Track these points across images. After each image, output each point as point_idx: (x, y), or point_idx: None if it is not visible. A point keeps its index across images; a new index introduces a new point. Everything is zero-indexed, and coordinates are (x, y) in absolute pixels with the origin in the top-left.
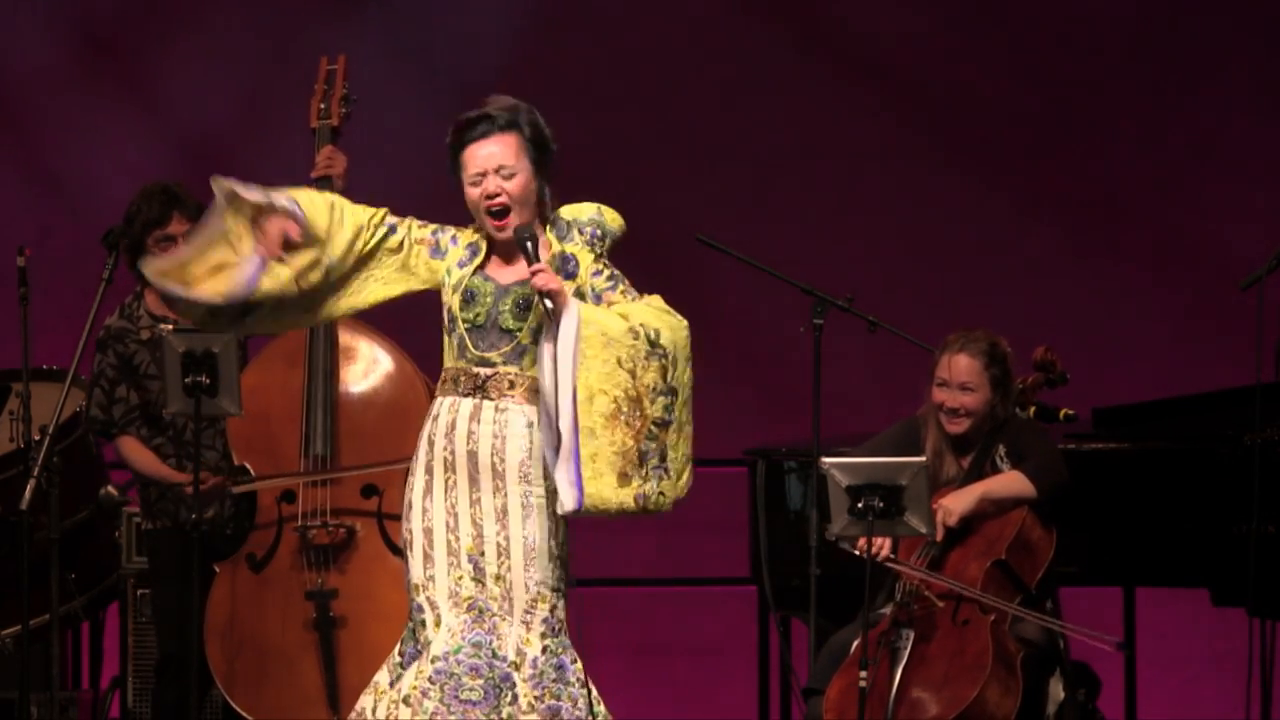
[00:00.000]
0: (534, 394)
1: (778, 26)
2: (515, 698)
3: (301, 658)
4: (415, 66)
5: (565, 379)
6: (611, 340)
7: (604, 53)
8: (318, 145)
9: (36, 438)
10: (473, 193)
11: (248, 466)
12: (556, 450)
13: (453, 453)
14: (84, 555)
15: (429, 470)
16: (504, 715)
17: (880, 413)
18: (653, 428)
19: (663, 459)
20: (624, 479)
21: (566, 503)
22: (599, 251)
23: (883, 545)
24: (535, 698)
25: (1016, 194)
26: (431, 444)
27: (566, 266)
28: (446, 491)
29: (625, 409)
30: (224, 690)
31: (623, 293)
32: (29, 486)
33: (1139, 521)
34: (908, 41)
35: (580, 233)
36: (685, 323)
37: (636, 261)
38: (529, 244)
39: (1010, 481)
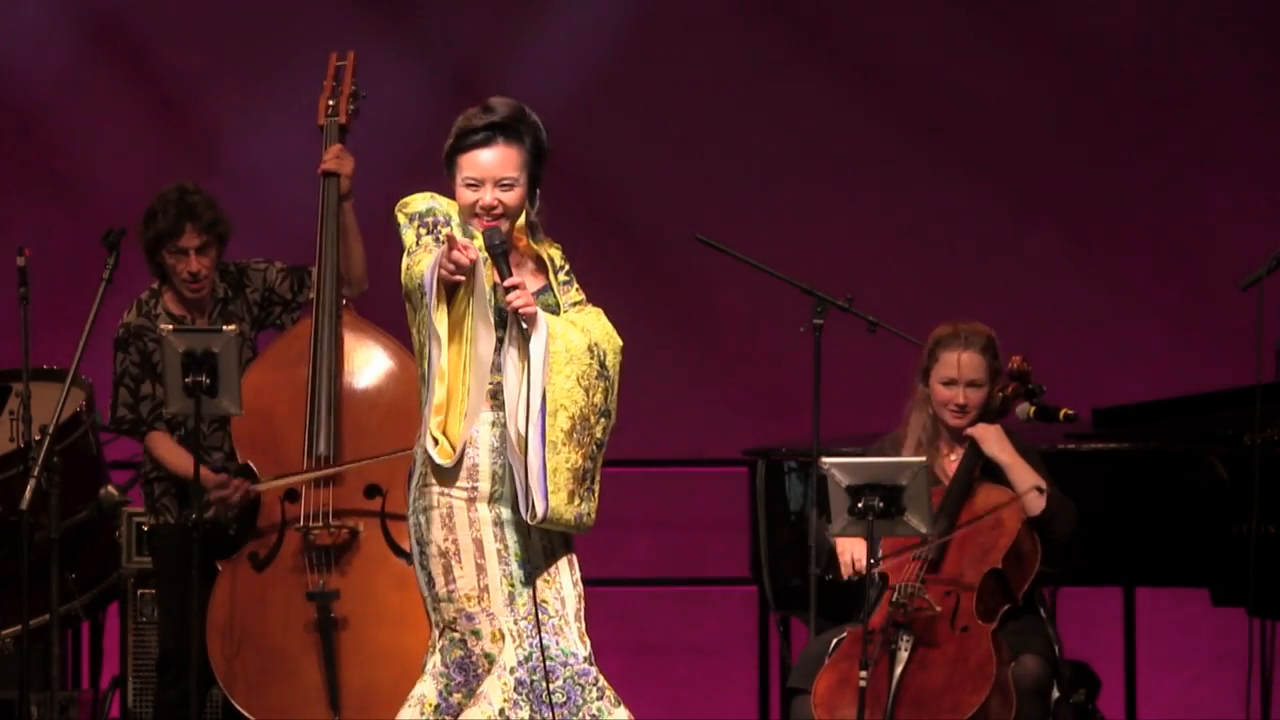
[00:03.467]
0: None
1: (778, 27)
2: (602, 692)
3: (302, 658)
4: (415, 64)
5: (535, 393)
6: (573, 357)
7: (603, 52)
8: (325, 143)
9: (36, 438)
10: (467, 195)
11: (251, 465)
12: (522, 459)
13: (503, 465)
14: (84, 555)
15: (472, 483)
16: (594, 710)
17: (880, 413)
18: (594, 449)
19: (594, 481)
20: (572, 496)
21: (539, 510)
22: (553, 244)
23: (857, 560)
24: (609, 685)
25: (1016, 194)
26: (473, 457)
27: (547, 273)
28: (491, 501)
29: (579, 427)
30: (224, 689)
31: (577, 290)
32: (29, 486)
33: (1139, 521)
34: (908, 41)
35: (542, 229)
36: (621, 344)
37: (637, 261)
38: (501, 253)
39: (1034, 482)
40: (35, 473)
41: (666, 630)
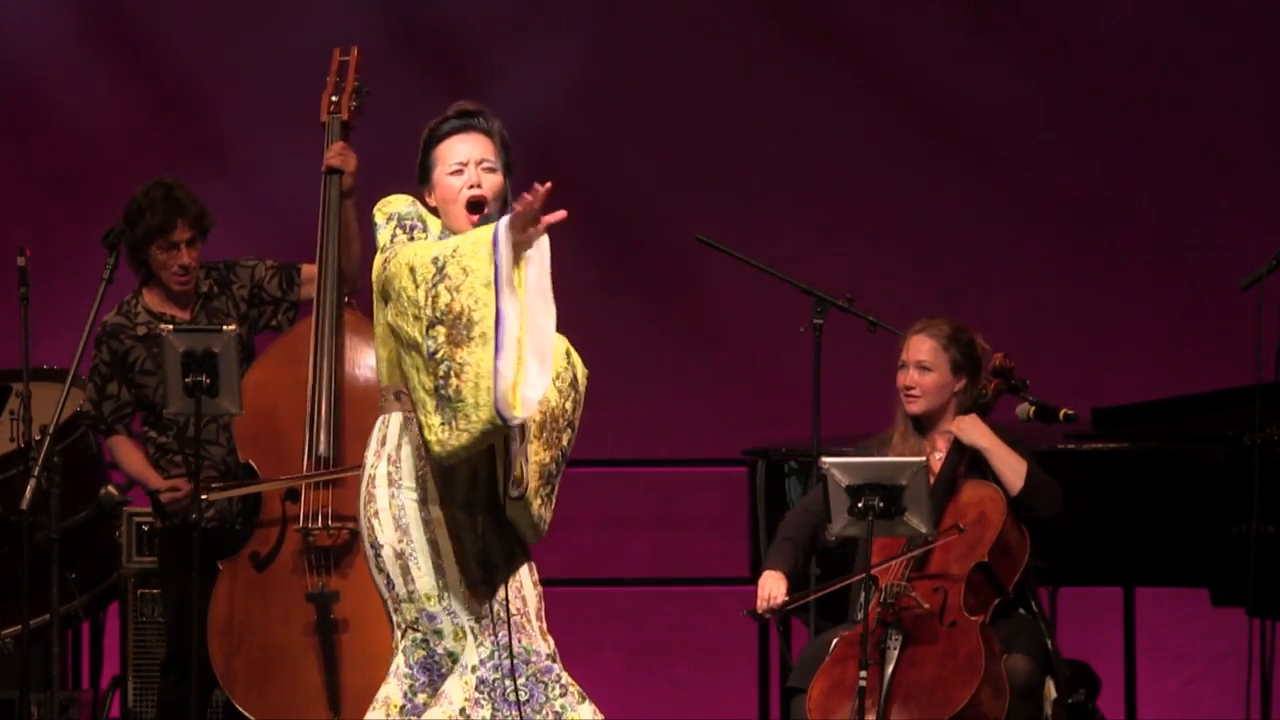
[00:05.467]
0: None
1: (778, 27)
2: (565, 689)
3: (303, 658)
4: (414, 64)
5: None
6: (555, 355)
7: (603, 52)
8: (328, 140)
9: (36, 438)
10: (453, 183)
11: (253, 464)
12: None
13: (451, 466)
14: (84, 555)
15: (422, 484)
16: (557, 707)
17: (880, 413)
18: (560, 456)
19: (553, 492)
20: (536, 493)
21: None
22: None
23: (772, 597)
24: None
25: (1016, 194)
26: (422, 458)
27: None
28: (443, 503)
29: (549, 426)
30: (224, 688)
31: None
32: (29, 486)
33: (1139, 521)
34: (908, 42)
35: None
36: (587, 373)
37: (637, 261)
38: None
39: (1015, 462)
40: (35, 473)
41: (666, 630)
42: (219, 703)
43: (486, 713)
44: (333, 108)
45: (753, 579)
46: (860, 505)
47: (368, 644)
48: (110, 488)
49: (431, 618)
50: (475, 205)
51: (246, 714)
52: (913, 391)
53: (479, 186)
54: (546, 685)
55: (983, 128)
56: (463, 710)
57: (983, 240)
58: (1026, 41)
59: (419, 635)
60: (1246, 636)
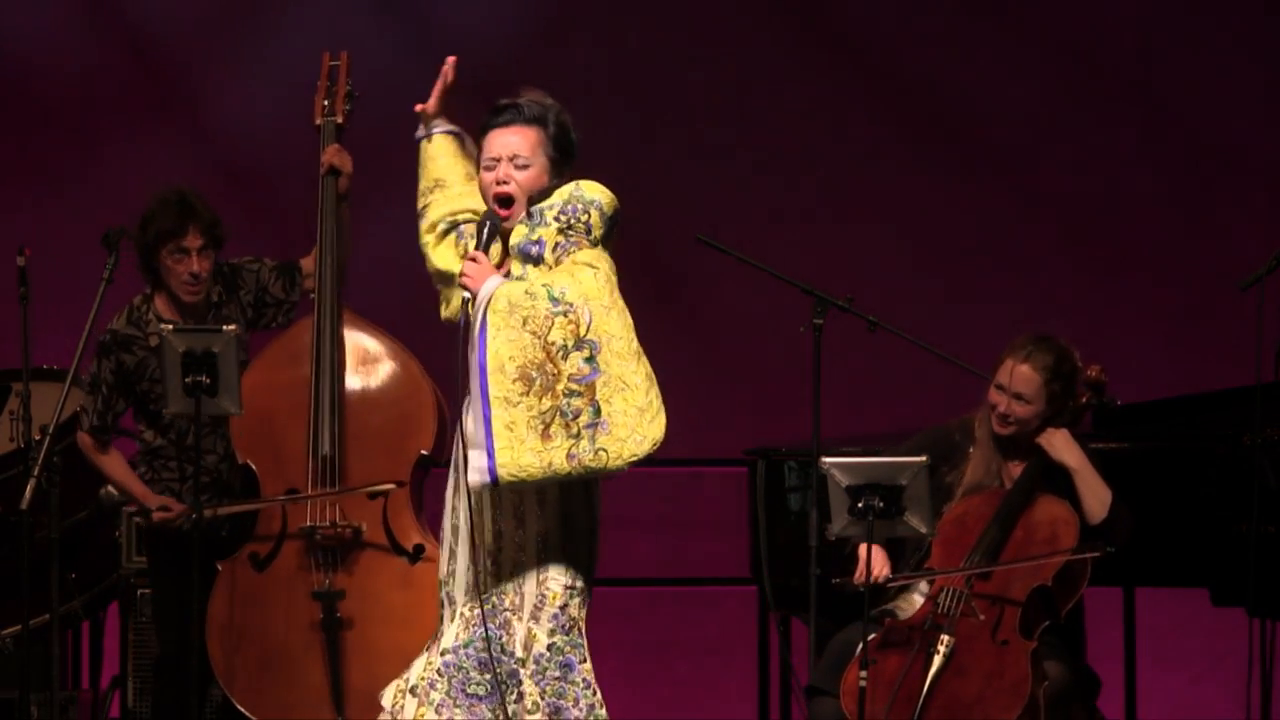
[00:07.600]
0: None
1: (778, 26)
2: (521, 695)
3: (305, 657)
4: (414, 64)
5: (475, 356)
6: (514, 305)
7: (604, 52)
8: (323, 143)
9: (36, 438)
10: (485, 177)
11: (252, 465)
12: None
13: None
14: (84, 555)
15: (456, 468)
16: (509, 712)
17: (880, 413)
18: (573, 385)
19: (597, 414)
20: (547, 439)
21: (475, 476)
22: (565, 224)
23: (881, 571)
24: (539, 694)
25: (1016, 194)
26: (460, 445)
27: (531, 251)
28: (473, 491)
29: (535, 372)
30: (225, 689)
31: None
32: (29, 486)
33: (1139, 521)
34: (908, 41)
35: (557, 216)
36: (600, 269)
37: (637, 261)
38: (486, 230)
39: (1100, 490)
40: (35, 473)
41: (666, 630)
42: (216, 701)
43: (438, 696)
44: (326, 111)
45: (753, 579)
46: (860, 505)
47: (372, 643)
48: (109, 487)
49: (441, 603)
50: (503, 201)
51: (247, 714)
52: (1007, 419)
53: (506, 183)
54: (507, 687)
55: (983, 128)
56: (415, 688)
57: (983, 240)
58: (1027, 41)
59: (443, 614)
60: (1246, 636)
